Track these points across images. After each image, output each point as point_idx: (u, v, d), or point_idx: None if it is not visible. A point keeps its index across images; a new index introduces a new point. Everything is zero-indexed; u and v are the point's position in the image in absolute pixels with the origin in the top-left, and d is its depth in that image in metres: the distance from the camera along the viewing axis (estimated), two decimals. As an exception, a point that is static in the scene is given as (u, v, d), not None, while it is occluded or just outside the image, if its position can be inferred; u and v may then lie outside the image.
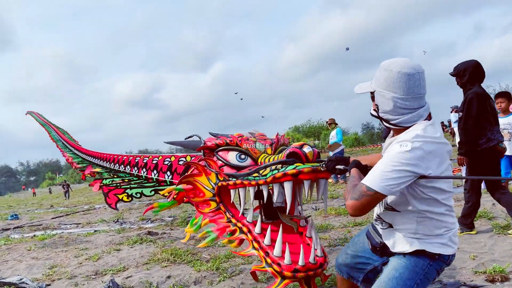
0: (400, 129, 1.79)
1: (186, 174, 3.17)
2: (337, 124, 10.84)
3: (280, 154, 2.57)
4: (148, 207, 3.57)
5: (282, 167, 2.41)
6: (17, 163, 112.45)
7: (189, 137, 3.50)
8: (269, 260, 2.49)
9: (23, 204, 21.40)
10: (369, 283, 2.11)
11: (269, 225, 2.64)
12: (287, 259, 2.41)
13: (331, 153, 10.32)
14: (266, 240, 2.56)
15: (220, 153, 2.90)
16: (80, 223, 8.64)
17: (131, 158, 5.27)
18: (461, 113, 4.01)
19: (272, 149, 2.83)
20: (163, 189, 4.67)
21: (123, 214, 9.61)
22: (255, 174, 2.54)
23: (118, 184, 5.53)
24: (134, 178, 5.17)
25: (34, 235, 7.04)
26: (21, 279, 3.81)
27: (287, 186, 2.39)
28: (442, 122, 19.66)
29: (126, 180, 5.38)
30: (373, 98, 1.88)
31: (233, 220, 2.81)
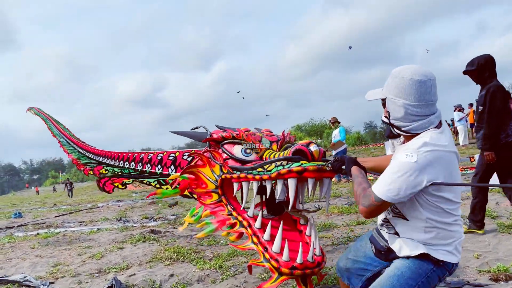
0: (411, 135, 1.79)
1: (190, 164, 3.17)
2: (339, 122, 10.82)
3: (286, 151, 2.57)
4: (151, 192, 3.57)
5: (287, 164, 2.41)
6: (20, 161, 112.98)
7: (195, 128, 3.49)
8: (267, 255, 2.50)
9: (27, 203, 21.48)
10: None
11: (270, 221, 2.65)
12: (285, 256, 2.41)
13: (333, 152, 10.31)
14: (266, 235, 2.56)
15: (225, 146, 2.90)
16: (83, 222, 8.66)
17: (136, 154, 5.27)
18: (481, 107, 3.95)
19: (277, 146, 2.83)
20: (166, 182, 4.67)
21: (126, 212, 9.63)
22: (260, 169, 2.55)
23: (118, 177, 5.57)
24: (135, 173, 5.18)
25: (38, 233, 7.06)
26: (25, 277, 3.82)
27: (291, 182, 2.39)
28: (445, 121, 19.61)
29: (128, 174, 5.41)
30: (384, 105, 1.88)
31: (234, 213, 2.81)
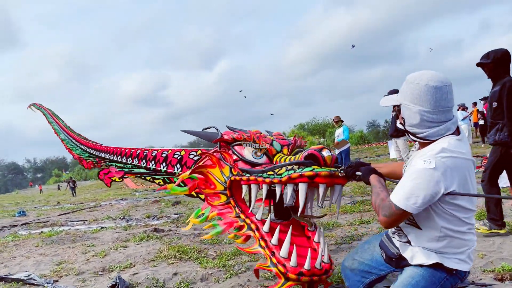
0: (427, 142, 1.76)
1: (199, 164, 3.16)
2: (343, 121, 10.80)
3: (297, 155, 2.54)
4: (161, 186, 3.56)
5: (298, 168, 2.38)
6: (24, 160, 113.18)
7: (206, 128, 3.49)
8: (274, 260, 2.47)
9: (30, 201, 21.55)
10: None
11: (278, 225, 2.62)
12: (293, 261, 2.39)
13: (337, 151, 10.29)
14: (274, 240, 2.53)
15: (236, 147, 2.89)
16: (86, 220, 8.68)
17: (139, 151, 5.24)
18: (495, 103, 3.89)
19: (288, 150, 2.81)
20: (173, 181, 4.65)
21: (129, 211, 9.65)
22: (270, 172, 2.52)
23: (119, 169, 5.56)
24: (141, 170, 5.16)
25: (42, 232, 7.09)
26: (29, 275, 3.83)
27: (302, 187, 2.35)
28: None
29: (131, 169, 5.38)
30: (399, 111, 1.85)
31: (242, 216, 2.79)
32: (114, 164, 5.79)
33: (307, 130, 44.70)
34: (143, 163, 5.04)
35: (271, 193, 2.68)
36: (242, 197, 2.83)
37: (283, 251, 2.45)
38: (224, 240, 4.89)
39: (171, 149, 4.66)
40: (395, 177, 2.11)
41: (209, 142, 3.46)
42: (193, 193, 3.86)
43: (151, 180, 5.06)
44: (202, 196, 3.73)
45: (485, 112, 14.50)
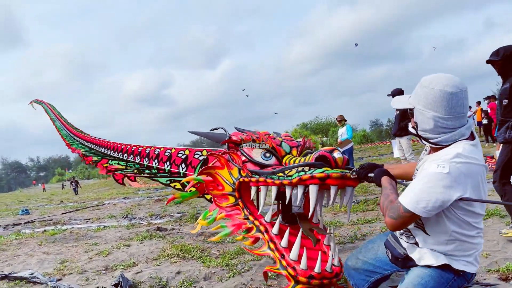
0: (439, 147, 1.74)
1: (207, 165, 3.15)
2: (346, 120, 10.77)
3: (308, 156, 2.51)
4: (170, 198, 3.56)
5: (309, 170, 2.35)
6: (27, 158, 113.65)
7: (214, 129, 3.47)
8: (284, 263, 2.45)
9: (33, 200, 21.63)
10: None
11: (288, 228, 2.60)
12: (303, 264, 2.37)
13: (340, 150, 10.26)
14: (283, 242, 2.52)
15: (245, 148, 2.87)
16: (89, 219, 8.70)
17: (141, 148, 5.20)
18: (506, 101, 3.85)
19: (297, 151, 2.79)
20: (178, 181, 4.62)
21: (132, 210, 9.66)
22: (280, 174, 2.50)
23: (127, 170, 5.53)
24: (145, 169, 5.13)
25: (45, 230, 7.11)
26: (32, 274, 3.84)
27: (313, 189, 2.33)
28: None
29: (135, 171, 5.35)
30: (411, 114, 1.81)
31: (251, 218, 2.77)
32: (116, 162, 5.78)
33: (310, 129, 44.71)
34: (146, 161, 5.01)
35: (280, 195, 2.66)
36: (251, 199, 2.82)
37: (293, 254, 2.43)
38: (227, 239, 4.89)
39: (174, 148, 4.63)
40: (408, 178, 2.09)
41: (213, 142, 3.44)
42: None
43: (152, 176, 5.02)
44: (209, 197, 3.72)
45: (489, 111, 14.47)
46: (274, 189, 2.56)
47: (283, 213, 2.99)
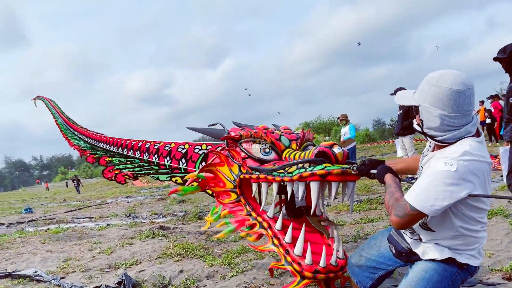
0: (444, 144, 1.72)
1: (207, 162, 3.13)
2: (349, 120, 10.75)
3: (308, 152, 2.49)
4: (173, 189, 3.55)
5: (309, 166, 2.34)
6: (30, 157, 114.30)
7: (212, 125, 3.45)
8: (289, 259, 2.45)
9: (37, 198, 21.69)
10: None
11: (291, 223, 2.59)
12: (308, 259, 2.37)
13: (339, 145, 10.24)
14: (287, 238, 2.51)
15: (243, 144, 2.85)
16: (92, 217, 8.72)
17: (141, 143, 5.15)
18: None
19: (297, 145, 2.76)
20: (177, 176, 4.58)
21: (135, 208, 9.68)
22: (280, 171, 2.49)
23: (126, 168, 5.48)
24: (145, 164, 5.09)
25: (48, 229, 7.13)
26: (36, 272, 3.86)
27: (314, 186, 2.32)
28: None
29: (136, 166, 5.30)
30: (417, 111, 1.79)
31: (253, 214, 2.76)
32: (117, 159, 5.74)
33: (312, 129, 44.64)
34: (146, 156, 4.96)
35: (281, 189, 2.65)
36: (252, 195, 2.81)
37: (297, 249, 2.43)
38: (230, 237, 4.89)
39: (174, 142, 4.57)
40: (411, 173, 2.08)
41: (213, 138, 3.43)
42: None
43: (152, 173, 4.98)
44: (211, 192, 3.70)
45: (492, 110, 14.40)
46: (275, 185, 2.55)
47: (287, 207, 2.97)
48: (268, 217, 2.70)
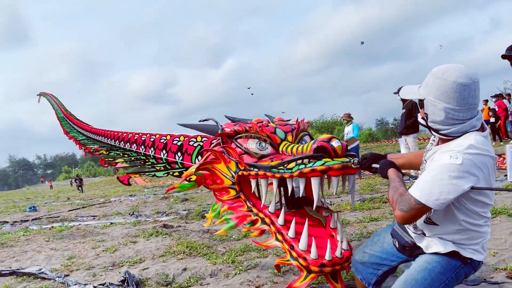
0: (449, 138, 1.72)
1: (203, 159, 3.10)
2: (352, 118, 10.73)
3: (306, 145, 2.46)
4: (169, 187, 3.54)
5: (309, 162, 2.32)
6: (34, 156, 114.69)
7: (204, 120, 3.40)
8: (294, 254, 2.44)
9: (41, 197, 21.79)
10: (379, 286, 2.12)
11: (294, 217, 2.57)
12: (313, 254, 2.36)
13: (338, 138, 10.21)
14: (291, 233, 2.50)
15: (239, 140, 2.82)
16: (96, 216, 8.75)
17: (137, 136, 5.09)
18: None
19: (293, 136, 2.73)
20: (175, 171, 4.53)
21: (138, 207, 9.70)
22: (280, 167, 2.47)
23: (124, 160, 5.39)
24: (142, 157, 5.03)
25: (52, 227, 7.15)
26: (40, 269, 3.87)
27: (315, 182, 2.31)
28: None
29: (133, 159, 5.24)
30: (421, 105, 1.79)
31: (254, 210, 2.74)
32: (114, 152, 5.68)
33: (316, 128, 44.57)
34: (142, 149, 4.90)
35: (280, 182, 2.61)
36: (252, 191, 2.79)
37: (302, 244, 2.42)
38: (233, 236, 4.90)
39: (169, 135, 4.50)
40: (413, 168, 2.07)
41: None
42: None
43: (151, 167, 4.91)
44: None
45: (496, 109, 14.34)
46: (275, 182, 2.53)
47: (286, 200, 2.95)
48: (269, 212, 2.68)
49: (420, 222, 1.83)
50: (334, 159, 2.30)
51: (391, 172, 1.90)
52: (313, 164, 2.29)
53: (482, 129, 1.71)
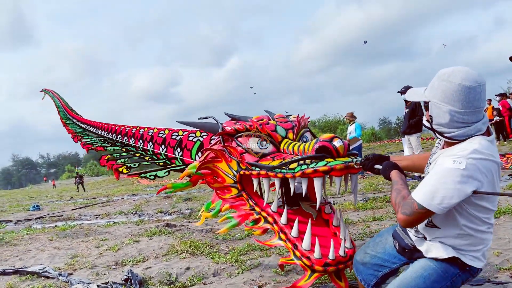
0: (454, 142, 1.70)
1: (203, 157, 3.09)
2: (355, 118, 10.71)
3: (307, 144, 2.45)
4: (161, 188, 3.53)
5: (311, 162, 2.31)
6: (37, 155, 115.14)
7: (203, 118, 3.39)
8: (298, 253, 2.44)
9: (44, 196, 21.84)
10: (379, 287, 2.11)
11: (297, 217, 2.57)
12: (317, 253, 2.36)
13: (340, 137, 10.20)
14: (294, 232, 2.50)
15: (240, 139, 2.82)
16: (99, 215, 8.77)
17: (135, 130, 5.01)
18: None
19: (293, 133, 2.73)
20: (175, 168, 4.47)
21: (141, 206, 9.72)
22: (282, 167, 2.47)
23: (123, 159, 5.29)
24: (142, 153, 4.97)
25: (56, 226, 7.17)
26: (43, 268, 3.88)
27: (317, 182, 2.31)
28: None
29: (132, 154, 5.16)
30: (426, 107, 1.79)
31: (257, 209, 2.74)
32: (112, 147, 5.61)
33: (318, 127, 44.51)
34: (140, 144, 4.84)
35: (284, 180, 2.61)
36: (254, 190, 2.79)
37: (305, 244, 2.42)
38: (236, 235, 4.90)
39: (168, 129, 4.44)
40: (416, 170, 2.06)
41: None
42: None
43: (155, 175, 4.84)
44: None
45: (500, 109, 14.29)
46: (277, 182, 2.53)
47: (287, 198, 2.94)
48: (272, 211, 2.68)
49: (421, 226, 1.82)
50: (336, 159, 2.29)
51: (394, 174, 1.89)
52: (316, 165, 2.29)
53: (487, 133, 1.69)
